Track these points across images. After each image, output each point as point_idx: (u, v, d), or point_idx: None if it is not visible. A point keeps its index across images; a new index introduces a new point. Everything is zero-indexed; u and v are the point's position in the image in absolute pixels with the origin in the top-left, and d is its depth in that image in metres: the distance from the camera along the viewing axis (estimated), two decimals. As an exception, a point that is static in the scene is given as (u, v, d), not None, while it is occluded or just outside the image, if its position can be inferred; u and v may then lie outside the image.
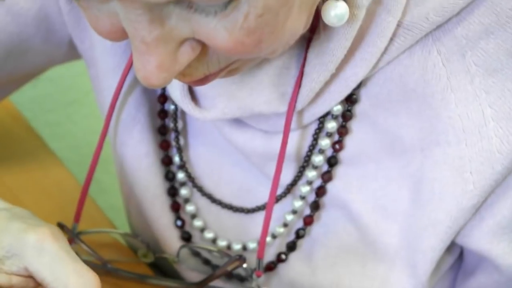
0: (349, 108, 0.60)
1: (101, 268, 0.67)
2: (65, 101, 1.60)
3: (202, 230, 0.67)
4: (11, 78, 0.74)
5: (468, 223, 0.60)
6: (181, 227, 0.68)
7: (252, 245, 0.66)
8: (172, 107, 0.66)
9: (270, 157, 0.62)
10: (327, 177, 0.62)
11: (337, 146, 0.61)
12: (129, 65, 0.65)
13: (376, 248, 0.62)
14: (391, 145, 0.60)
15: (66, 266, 0.51)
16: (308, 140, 0.62)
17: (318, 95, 0.59)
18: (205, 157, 0.66)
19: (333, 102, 0.59)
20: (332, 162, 0.61)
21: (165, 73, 0.48)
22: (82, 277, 0.51)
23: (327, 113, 0.61)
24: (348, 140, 0.61)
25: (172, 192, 0.68)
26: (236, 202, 0.66)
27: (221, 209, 0.67)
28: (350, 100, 0.59)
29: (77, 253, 0.68)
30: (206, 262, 0.68)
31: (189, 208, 0.68)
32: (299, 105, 0.59)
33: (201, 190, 0.67)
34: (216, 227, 0.67)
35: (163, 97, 0.66)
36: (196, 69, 0.50)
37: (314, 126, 0.61)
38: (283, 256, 0.65)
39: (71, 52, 0.72)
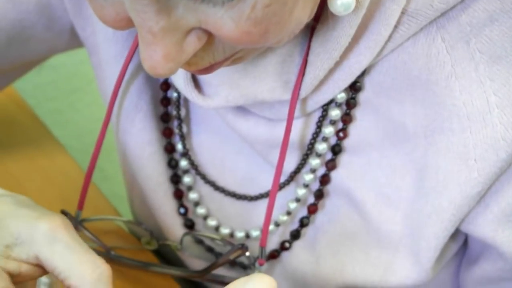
0: (353, 96, 0.60)
1: (104, 255, 0.67)
2: (68, 89, 1.60)
3: (205, 217, 0.67)
4: (13, 66, 0.74)
5: (472, 210, 0.60)
6: (184, 215, 0.68)
7: (255, 233, 0.66)
8: (175, 94, 0.66)
9: (274, 145, 0.62)
10: (331, 165, 0.62)
11: (341, 134, 0.61)
12: (132, 53, 0.65)
13: (380, 235, 0.62)
14: (394, 133, 0.60)
15: (80, 256, 0.51)
16: (312, 127, 0.62)
17: (322, 82, 0.59)
18: (208, 145, 0.66)
19: (336, 90, 0.59)
20: (336, 150, 0.61)
21: (171, 63, 0.48)
22: (98, 268, 0.51)
23: (331, 101, 0.60)
24: (352, 128, 0.61)
25: (175, 179, 0.68)
26: (239, 190, 0.66)
27: (224, 197, 0.67)
28: (354, 88, 0.59)
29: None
30: (209, 249, 0.68)
31: (192, 195, 0.68)
32: (302, 93, 0.59)
33: (204, 177, 0.67)
34: (219, 214, 0.67)
35: (166, 85, 0.66)
36: (201, 58, 0.50)
37: (318, 113, 0.61)
38: (287, 245, 0.65)
39: (73, 40, 0.72)
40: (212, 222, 0.67)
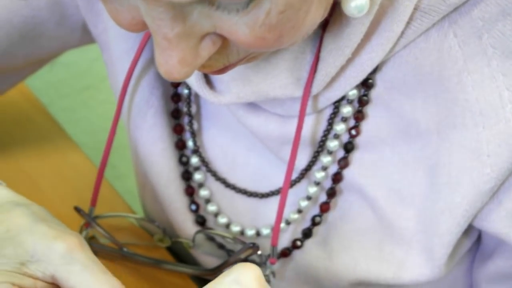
0: (365, 93, 0.59)
1: (117, 252, 0.68)
2: (81, 87, 1.60)
3: (216, 215, 0.67)
4: (26, 62, 0.74)
5: (485, 206, 0.59)
6: (195, 211, 0.68)
7: (265, 231, 0.66)
8: (186, 91, 0.66)
9: (285, 141, 0.62)
10: (343, 163, 0.62)
11: (353, 132, 0.61)
12: (141, 49, 0.65)
13: (393, 232, 0.62)
14: (406, 129, 0.60)
15: (97, 277, 0.52)
16: (323, 124, 0.61)
17: (333, 79, 0.58)
18: (219, 141, 0.66)
19: (348, 86, 0.59)
20: (348, 147, 0.61)
21: (187, 68, 0.48)
22: None
23: (342, 98, 0.60)
24: (364, 125, 0.61)
25: (186, 176, 0.68)
26: (250, 187, 0.66)
27: (235, 194, 0.66)
28: (366, 84, 0.59)
29: (94, 237, 0.68)
30: (221, 246, 0.68)
31: (203, 192, 0.67)
32: (314, 90, 0.58)
33: (215, 174, 0.67)
34: (230, 212, 0.67)
35: (176, 81, 0.66)
36: (216, 60, 0.51)
37: (329, 110, 0.61)
38: (299, 243, 0.65)
39: (85, 37, 0.72)
40: (222, 220, 0.67)
